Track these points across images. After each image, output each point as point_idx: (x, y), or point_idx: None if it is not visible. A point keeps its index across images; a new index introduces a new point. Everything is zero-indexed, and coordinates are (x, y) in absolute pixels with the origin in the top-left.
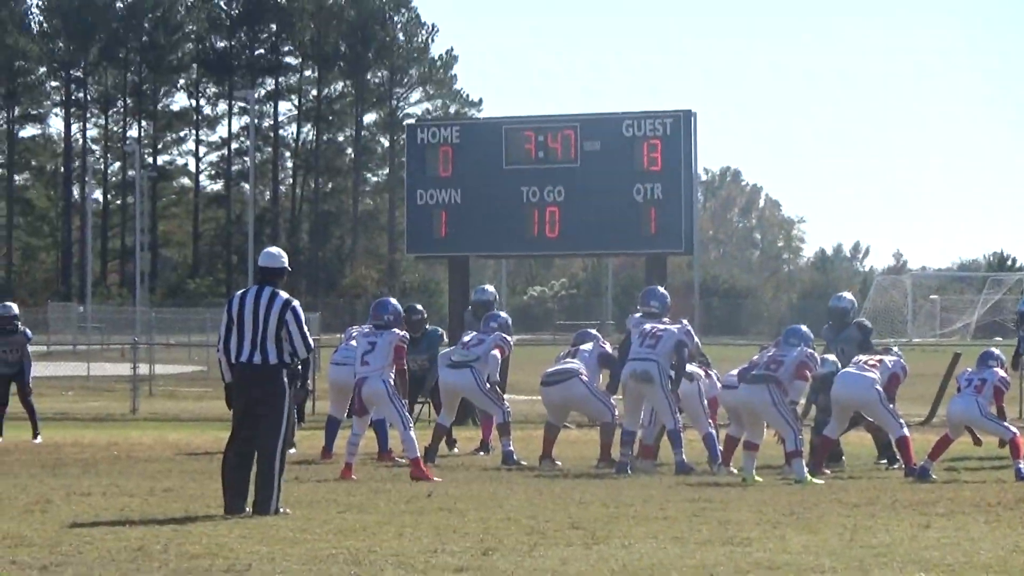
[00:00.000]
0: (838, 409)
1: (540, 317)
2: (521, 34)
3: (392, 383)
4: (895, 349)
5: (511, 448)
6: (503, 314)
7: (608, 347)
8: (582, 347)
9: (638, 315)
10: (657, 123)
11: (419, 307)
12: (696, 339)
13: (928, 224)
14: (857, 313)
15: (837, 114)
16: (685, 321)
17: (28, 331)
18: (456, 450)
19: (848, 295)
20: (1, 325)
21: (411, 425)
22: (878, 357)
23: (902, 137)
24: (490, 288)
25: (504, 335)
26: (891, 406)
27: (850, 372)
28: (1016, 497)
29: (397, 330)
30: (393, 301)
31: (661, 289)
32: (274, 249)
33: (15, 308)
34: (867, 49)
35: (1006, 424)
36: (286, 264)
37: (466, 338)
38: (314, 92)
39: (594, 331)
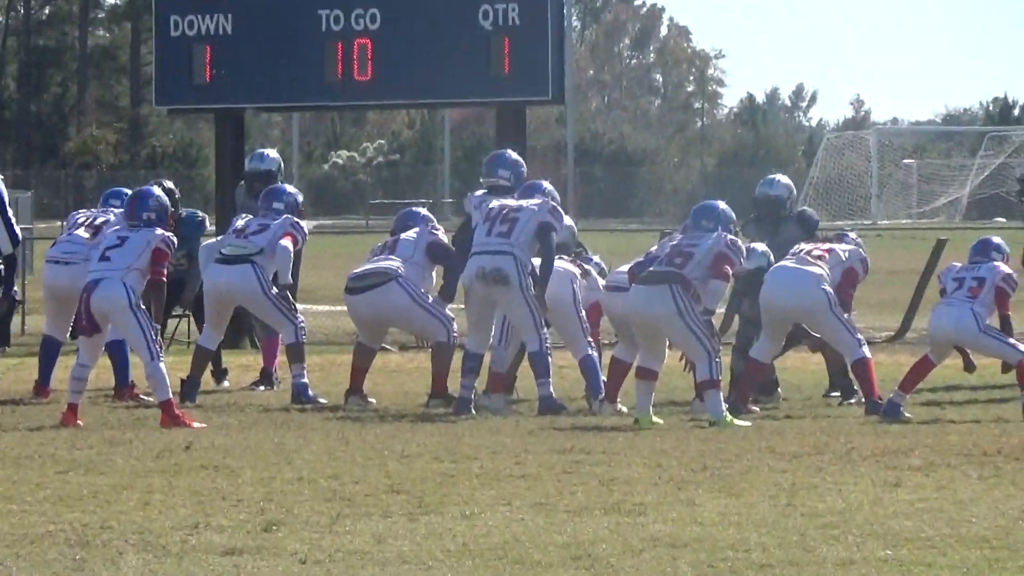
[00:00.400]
0: (771, 320)
1: (348, 193)
2: None
3: (135, 291)
4: (851, 235)
5: (305, 380)
6: (291, 189)
7: (442, 234)
8: (403, 235)
9: (481, 192)
10: None
11: (169, 184)
12: (568, 221)
13: (900, 62)
14: (796, 202)
15: None
16: (549, 195)
17: None
18: (227, 383)
19: (783, 178)
20: None
21: (161, 353)
22: (827, 246)
23: None
24: (271, 154)
25: (295, 219)
26: (845, 316)
27: (786, 266)
28: (1022, 443)
29: (160, 230)
30: (157, 191)
31: (513, 154)
32: None
33: None
34: None
35: (1012, 342)
36: None
37: (240, 223)
38: None
39: (423, 211)
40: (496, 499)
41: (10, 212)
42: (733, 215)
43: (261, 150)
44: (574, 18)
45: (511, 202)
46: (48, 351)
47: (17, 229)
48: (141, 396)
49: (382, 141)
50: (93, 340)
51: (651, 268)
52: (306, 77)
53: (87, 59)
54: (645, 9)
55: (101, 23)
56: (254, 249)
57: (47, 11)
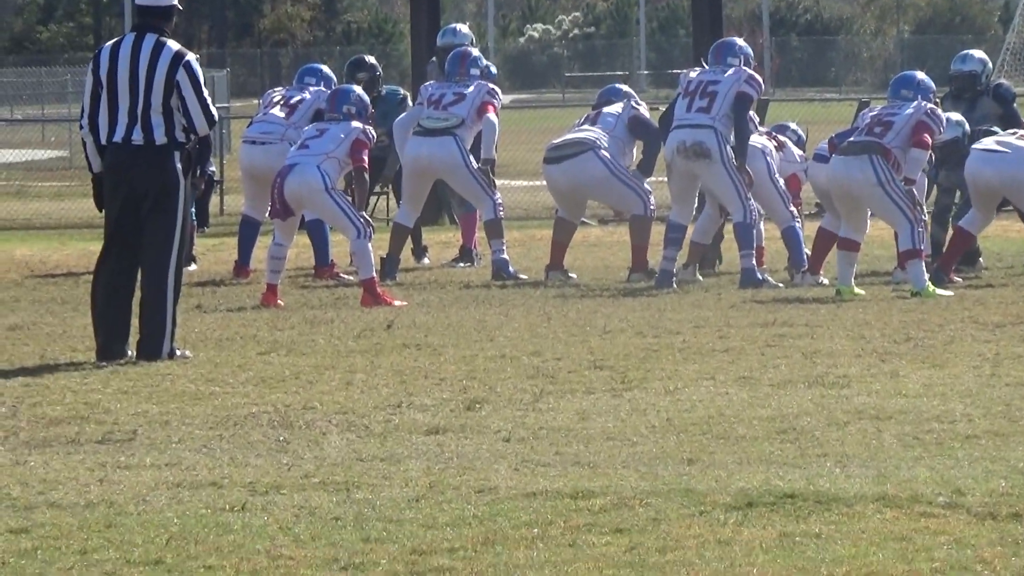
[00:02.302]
0: (978, 194)
1: (544, 68)
2: None
3: (331, 176)
4: None
5: (505, 256)
6: (484, 60)
7: (644, 109)
8: (606, 109)
9: (696, 72)
10: None
11: (369, 59)
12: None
13: None
14: (992, 75)
15: None
16: (745, 65)
17: None
18: (427, 260)
19: (977, 53)
20: None
21: (368, 231)
22: None
23: None
24: (463, 29)
25: (491, 86)
26: None
27: (992, 145)
28: None
29: (359, 123)
30: (357, 90)
31: (740, 41)
32: None
33: None
34: None
35: None
36: (174, 0)
37: (433, 92)
38: None
39: (625, 87)
40: (699, 374)
41: (206, 91)
42: (932, 84)
43: (453, 25)
44: None
45: (711, 75)
46: (247, 231)
47: (213, 108)
48: (341, 275)
49: (577, 13)
50: (288, 222)
51: (851, 138)
52: None
53: None
54: None
55: None
56: (456, 121)
57: None
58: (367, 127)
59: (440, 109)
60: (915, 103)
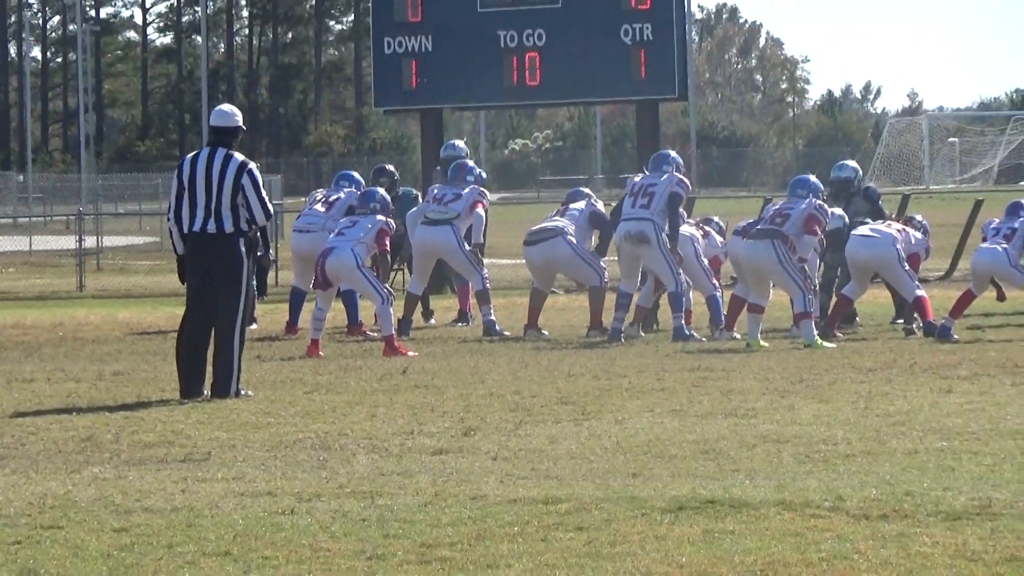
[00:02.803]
0: (856, 269)
1: (523, 172)
2: None
3: (361, 257)
4: (918, 218)
5: (492, 317)
6: (477, 168)
7: (600, 205)
8: (572, 205)
9: (639, 177)
10: None
11: (389, 167)
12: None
13: (945, 61)
14: (862, 181)
15: None
16: (674, 162)
17: None
18: (433, 321)
19: (850, 162)
20: None
21: (391, 299)
22: (900, 227)
23: None
24: (460, 143)
25: (481, 189)
26: (907, 268)
27: (866, 231)
28: None
29: (382, 216)
30: (381, 191)
31: (672, 152)
32: (226, 107)
33: None
34: None
35: None
36: (240, 122)
37: (437, 192)
38: None
39: (586, 189)
40: (641, 407)
41: (264, 192)
42: (821, 185)
43: (453, 141)
44: (693, 34)
45: (650, 180)
46: (295, 298)
47: (270, 205)
48: (368, 332)
49: (548, 131)
50: (327, 292)
51: (759, 226)
52: (490, 83)
53: (321, 72)
54: (747, 25)
55: (331, 44)
56: (453, 214)
57: (290, 36)
58: (388, 219)
59: (442, 205)
60: (807, 200)
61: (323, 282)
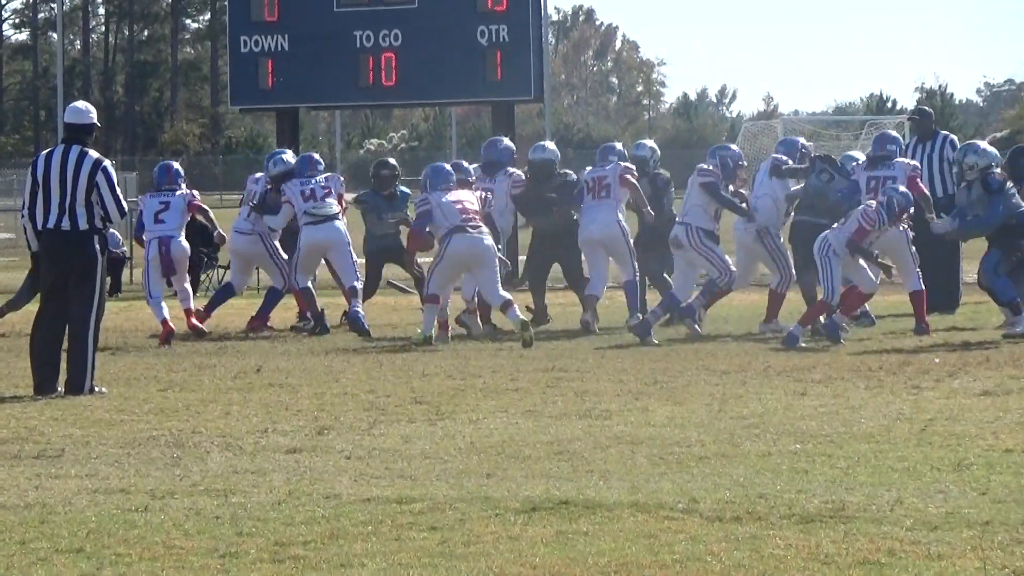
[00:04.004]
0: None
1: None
2: None
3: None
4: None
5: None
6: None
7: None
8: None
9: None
10: None
11: (391, 161)
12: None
13: (800, 65)
14: (658, 163)
15: None
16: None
17: None
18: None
19: (648, 142)
20: None
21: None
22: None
23: None
24: (287, 156)
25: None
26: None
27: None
28: (899, 361)
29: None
30: (176, 165)
31: (506, 141)
32: (81, 104)
33: None
34: None
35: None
36: (95, 119)
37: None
38: None
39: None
40: (496, 408)
41: (119, 190)
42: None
43: (279, 154)
44: (550, 35)
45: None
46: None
47: (124, 203)
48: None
49: (404, 131)
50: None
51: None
52: (346, 83)
53: (177, 70)
54: (604, 27)
55: (187, 42)
56: (334, 210)
57: (146, 33)
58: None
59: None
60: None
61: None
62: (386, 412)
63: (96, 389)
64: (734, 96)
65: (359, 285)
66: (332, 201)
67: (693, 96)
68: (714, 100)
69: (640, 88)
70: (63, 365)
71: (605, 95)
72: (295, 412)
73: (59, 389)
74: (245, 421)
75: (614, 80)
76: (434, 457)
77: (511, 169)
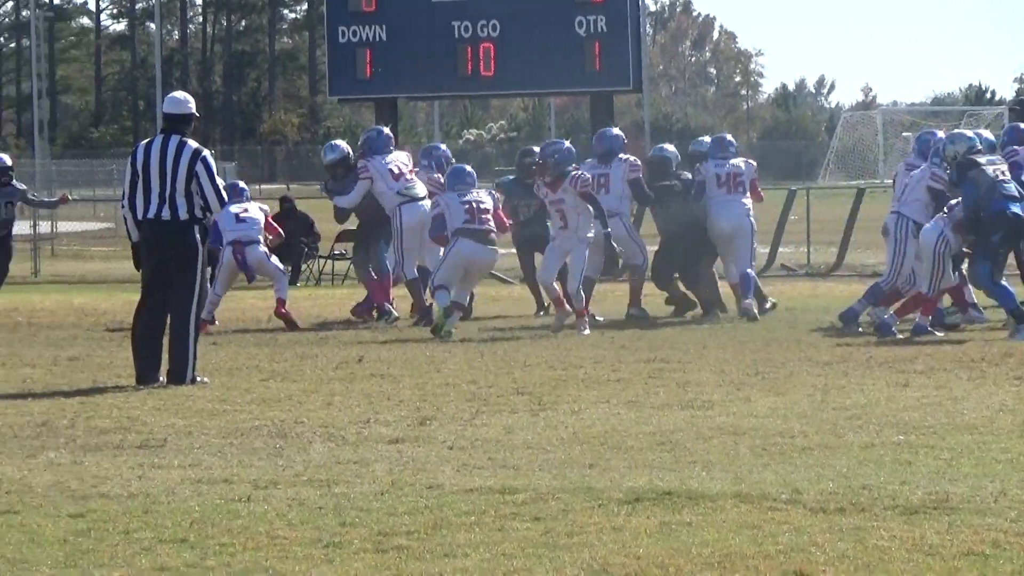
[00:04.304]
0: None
1: (478, 162)
2: None
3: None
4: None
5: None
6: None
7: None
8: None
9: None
10: None
11: (535, 149)
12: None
13: (899, 56)
14: (681, 165)
15: None
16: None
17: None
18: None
19: (670, 146)
20: None
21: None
22: None
23: None
24: (341, 144)
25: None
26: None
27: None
28: (1001, 352)
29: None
30: (242, 184)
31: (615, 129)
32: (179, 94)
33: (7, 159)
34: None
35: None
36: (193, 109)
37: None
38: None
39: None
40: (597, 398)
41: (218, 179)
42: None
43: (333, 142)
44: (648, 26)
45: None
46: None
47: (224, 192)
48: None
49: (503, 122)
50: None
51: None
52: (444, 73)
53: (275, 60)
54: (701, 18)
55: (285, 32)
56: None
57: (243, 24)
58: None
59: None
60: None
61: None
62: (488, 402)
63: (198, 379)
64: (832, 87)
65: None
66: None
67: (791, 87)
68: (812, 91)
69: (738, 78)
70: (165, 355)
71: (703, 85)
72: (397, 402)
73: (161, 379)
74: (347, 411)
75: (712, 71)
76: (536, 447)
77: (624, 155)
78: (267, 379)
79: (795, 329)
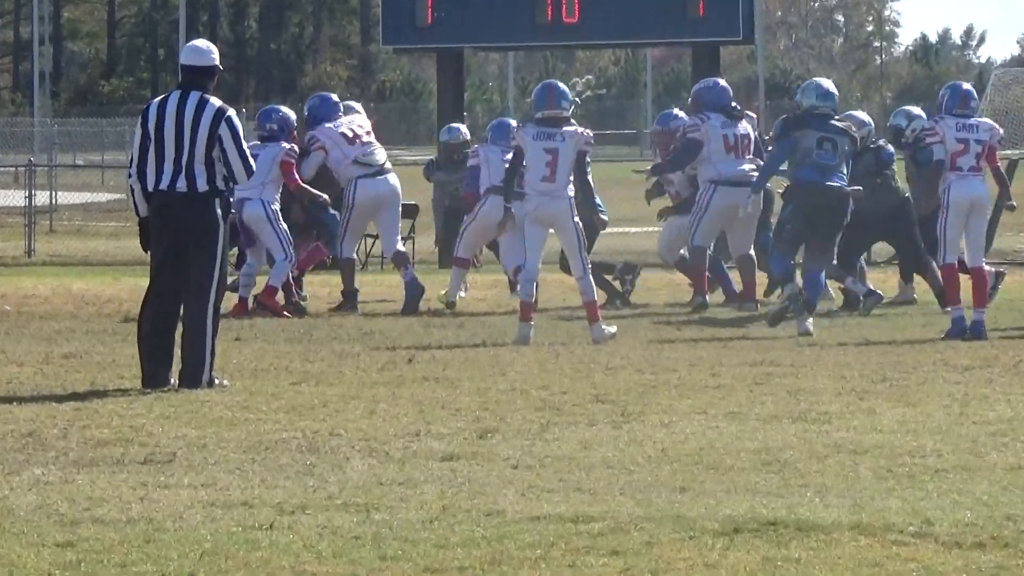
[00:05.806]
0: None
1: None
2: None
3: (270, 201)
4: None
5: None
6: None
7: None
8: None
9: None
10: None
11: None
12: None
13: None
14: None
15: None
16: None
17: None
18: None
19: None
20: None
21: (293, 259)
22: None
23: None
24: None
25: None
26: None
27: None
28: None
29: (284, 143)
30: (284, 109)
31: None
32: (201, 43)
33: None
34: None
35: None
36: (216, 61)
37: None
38: None
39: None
40: (693, 408)
41: (245, 144)
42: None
43: (452, 124)
44: None
45: None
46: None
47: (252, 160)
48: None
49: (590, 77)
50: (256, 247)
51: None
52: (520, 19)
53: (321, 2)
54: None
55: None
56: None
57: None
58: (291, 146)
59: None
60: None
61: (247, 239)
62: (562, 412)
63: (216, 381)
64: (982, 39)
65: None
66: None
67: (933, 38)
68: (958, 43)
69: (870, 29)
70: (177, 352)
71: (829, 36)
72: (453, 411)
73: (172, 381)
74: (393, 422)
75: (839, 18)
76: (618, 467)
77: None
78: (298, 382)
79: (930, 327)
